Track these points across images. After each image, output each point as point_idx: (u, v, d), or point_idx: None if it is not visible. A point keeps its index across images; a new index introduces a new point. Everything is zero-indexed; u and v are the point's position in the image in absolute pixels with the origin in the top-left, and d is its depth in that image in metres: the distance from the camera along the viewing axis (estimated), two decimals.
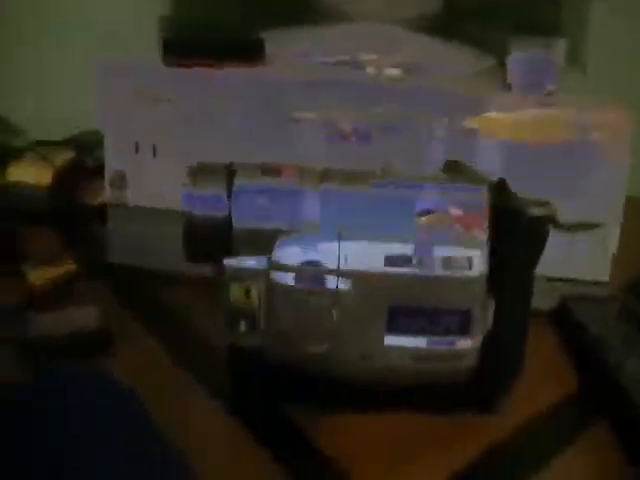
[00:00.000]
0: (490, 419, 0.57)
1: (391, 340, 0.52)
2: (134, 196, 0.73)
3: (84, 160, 0.93)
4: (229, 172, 0.53)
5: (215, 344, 0.63)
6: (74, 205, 0.87)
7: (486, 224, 0.52)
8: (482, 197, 0.52)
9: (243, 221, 0.52)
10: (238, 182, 0.53)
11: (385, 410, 0.56)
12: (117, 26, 0.87)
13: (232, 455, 0.54)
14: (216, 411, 0.58)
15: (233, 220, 0.52)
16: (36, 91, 1.02)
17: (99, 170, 0.88)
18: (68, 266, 0.75)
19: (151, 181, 0.72)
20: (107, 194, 0.73)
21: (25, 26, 1.00)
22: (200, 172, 0.54)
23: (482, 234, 0.52)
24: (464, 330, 0.52)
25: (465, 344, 0.52)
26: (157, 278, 0.73)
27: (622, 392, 0.55)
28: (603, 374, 0.58)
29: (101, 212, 0.80)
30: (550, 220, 0.59)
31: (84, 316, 0.67)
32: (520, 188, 0.54)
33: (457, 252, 0.51)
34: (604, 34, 0.87)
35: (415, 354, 0.53)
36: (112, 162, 0.72)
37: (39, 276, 0.73)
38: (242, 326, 0.53)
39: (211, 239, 0.53)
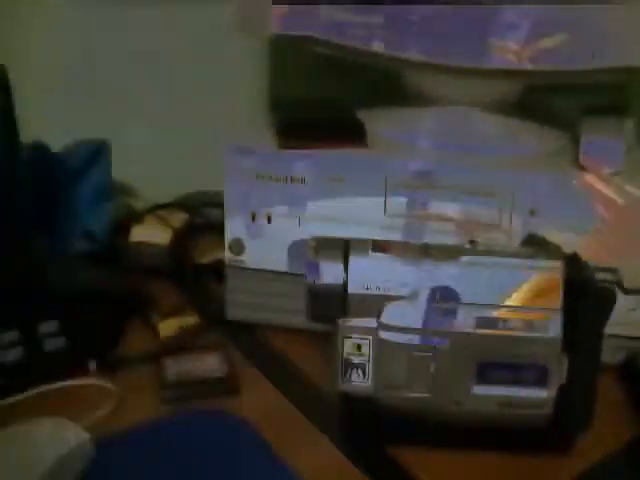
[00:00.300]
0: (565, 459, 0.66)
1: (479, 390, 0.62)
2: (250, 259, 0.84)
3: (196, 220, 1.06)
4: (345, 246, 0.64)
5: (325, 390, 0.73)
6: (191, 263, 0.99)
7: (561, 292, 0.61)
8: (558, 269, 0.62)
9: (356, 288, 0.63)
10: (353, 255, 0.64)
11: (475, 449, 0.66)
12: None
13: None
14: (328, 448, 0.68)
15: (348, 287, 0.63)
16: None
17: (209, 228, 1.01)
18: (191, 318, 0.87)
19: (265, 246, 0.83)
20: (226, 258, 0.84)
21: None
22: (320, 245, 0.65)
23: (558, 302, 0.61)
24: (542, 382, 0.62)
25: (542, 394, 0.62)
26: (269, 330, 0.84)
27: None
28: None
29: (215, 269, 0.92)
30: (617, 285, 0.69)
31: (210, 363, 0.79)
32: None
33: (537, 314, 0.61)
34: None
35: (500, 401, 0.63)
36: (231, 230, 0.83)
37: (168, 326, 0.85)
38: (354, 376, 0.64)
39: (329, 302, 0.64)
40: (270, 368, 0.79)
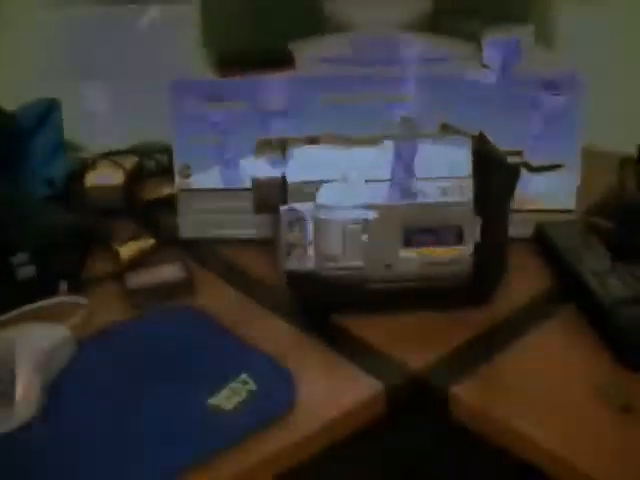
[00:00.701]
0: (483, 310, 0.77)
1: (406, 252, 0.72)
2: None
3: (146, 163, 1.14)
4: (282, 144, 0.74)
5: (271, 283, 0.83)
6: (143, 199, 1.07)
7: (470, 162, 0.72)
8: (467, 142, 0.72)
9: (294, 177, 0.72)
10: (290, 150, 0.73)
11: (407, 309, 0.76)
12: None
13: (298, 352, 0.74)
14: (280, 322, 0.78)
15: (287, 177, 0.72)
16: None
17: (158, 170, 1.10)
18: (148, 240, 0.95)
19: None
20: (176, 182, 0.93)
21: None
22: (261, 146, 0.74)
23: (467, 171, 0.72)
24: (458, 241, 0.72)
25: (460, 251, 0.72)
26: (220, 243, 0.93)
27: (582, 282, 0.74)
28: (568, 270, 0.77)
29: (165, 203, 1.00)
30: (523, 164, 0.79)
31: (169, 270, 0.87)
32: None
33: (451, 183, 0.71)
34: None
35: (424, 261, 0.72)
36: (180, 156, 0.92)
37: (127, 249, 0.93)
38: (297, 254, 0.73)
39: (272, 193, 0.73)
40: (223, 271, 0.88)
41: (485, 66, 0.87)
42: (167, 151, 0.95)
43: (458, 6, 1.00)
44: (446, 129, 0.78)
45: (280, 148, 0.73)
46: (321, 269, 0.73)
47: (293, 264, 0.74)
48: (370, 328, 0.75)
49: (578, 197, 0.87)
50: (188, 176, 0.93)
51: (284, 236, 0.73)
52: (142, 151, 1.15)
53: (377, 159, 0.72)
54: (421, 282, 0.74)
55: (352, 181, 0.72)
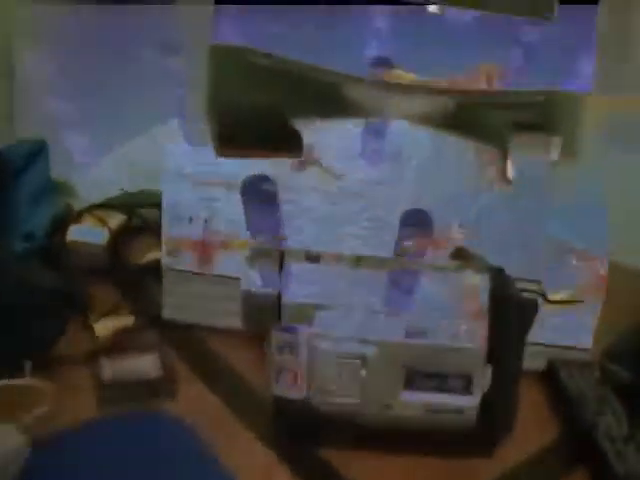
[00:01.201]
0: (487, 462, 0.70)
1: (407, 396, 0.65)
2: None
3: (133, 220, 1.06)
4: (280, 256, 0.67)
5: (260, 392, 0.75)
6: (128, 263, 0.99)
7: (486, 304, 0.65)
8: (484, 282, 0.66)
9: (290, 297, 0.65)
10: (287, 265, 0.66)
11: (404, 452, 0.69)
12: None
13: None
14: (262, 450, 0.71)
15: (282, 295, 0.65)
16: None
17: (146, 229, 1.02)
18: (127, 318, 0.88)
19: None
20: (164, 261, 0.86)
21: None
22: (255, 254, 0.67)
23: (482, 313, 0.65)
24: (466, 390, 0.65)
25: (466, 401, 0.65)
26: (205, 331, 0.85)
27: (597, 448, 0.67)
28: (582, 428, 0.70)
29: (152, 270, 0.93)
30: (540, 295, 0.73)
31: (147, 363, 0.80)
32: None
33: (462, 327, 0.64)
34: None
35: (426, 407, 0.65)
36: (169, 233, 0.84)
37: (104, 327, 0.86)
38: (287, 381, 0.66)
39: (264, 310, 0.66)
40: (206, 370, 0.80)
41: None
42: (157, 205, 0.87)
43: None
44: (461, 256, 0.71)
45: (276, 260, 0.66)
46: (312, 401, 0.66)
47: (282, 390, 0.67)
48: (358, 468, 0.68)
49: (597, 332, 0.80)
50: (176, 255, 0.86)
51: (274, 359, 0.66)
52: (134, 202, 1.07)
53: (384, 286, 0.65)
54: (420, 427, 0.67)
55: (353, 309, 0.65)
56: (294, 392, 0.66)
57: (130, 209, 1.06)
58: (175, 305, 0.87)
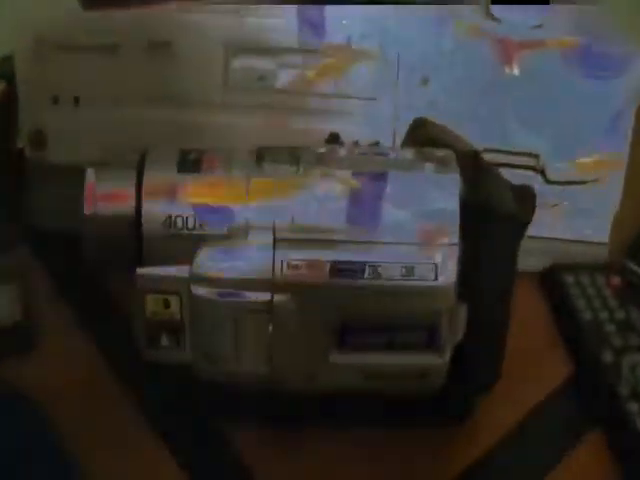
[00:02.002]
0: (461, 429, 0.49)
1: (339, 359, 0.43)
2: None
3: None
4: (140, 160, 0.43)
5: None
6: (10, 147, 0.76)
7: (456, 223, 0.42)
8: (453, 188, 0.42)
9: (156, 224, 0.42)
10: (149, 174, 0.43)
11: (338, 428, 0.48)
12: None
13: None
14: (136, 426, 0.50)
15: (143, 222, 0.42)
16: None
17: None
18: None
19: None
20: (27, 153, 0.62)
21: None
22: (104, 160, 0.44)
23: (452, 234, 0.42)
24: (430, 345, 0.43)
25: (430, 360, 0.43)
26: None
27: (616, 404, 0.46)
28: (595, 376, 0.49)
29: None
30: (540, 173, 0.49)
31: (4, 302, 0.58)
32: None
33: (421, 257, 0.42)
34: None
35: (368, 372, 0.44)
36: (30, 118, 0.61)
37: None
38: (164, 341, 0.44)
39: (118, 243, 0.43)
40: (86, 307, 0.58)
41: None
42: None
43: None
44: (420, 131, 0.48)
45: (136, 168, 0.42)
46: (200, 371, 0.44)
47: (158, 355, 0.45)
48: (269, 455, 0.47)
49: (615, 224, 0.57)
50: (42, 147, 0.63)
51: (143, 312, 0.43)
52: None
53: (299, 202, 0.42)
54: (364, 400, 0.45)
55: (255, 238, 0.42)
56: (174, 357, 0.44)
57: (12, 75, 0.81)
58: (46, 211, 0.64)
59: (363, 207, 0.42)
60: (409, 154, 0.45)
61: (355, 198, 0.43)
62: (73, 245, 0.61)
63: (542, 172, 0.58)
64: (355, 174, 0.43)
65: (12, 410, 0.50)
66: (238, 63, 0.58)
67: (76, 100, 0.61)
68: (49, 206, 0.64)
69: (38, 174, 0.64)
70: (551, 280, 0.56)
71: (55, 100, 0.61)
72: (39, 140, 0.63)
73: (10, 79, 0.76)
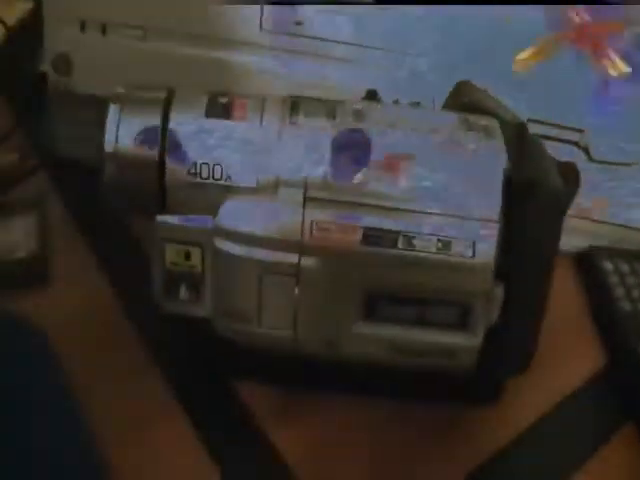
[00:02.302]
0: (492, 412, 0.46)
1: (365, 328, 0.41)
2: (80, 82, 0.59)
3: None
4: (166, 99, 0.40)
5: None
6: (31, 71, 0.73)
7: (499, 198, 0.39)
8: (498, 162, 0.39)
9: (181, 170, 0.40)
10: (176, 116, 0.40)
11: (358, 395, 0.46)
12: None
13: (168, 445, 0.44)
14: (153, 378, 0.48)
15: (167, 168, 0.40)
16: None
17: None
18: (10, 155, 0.63)
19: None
20: (50, 79, 0.59)
21: None
22: (129, 93, 0.41)
23: (494, 210, 0.39)
24: (461, 325, 0.41)
25: (461, 341, 0.41)
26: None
27: None
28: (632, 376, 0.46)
29: None
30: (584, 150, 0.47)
31: (18, 230, 0.56)
32: None
33: (459, 232, 0.39)
34: None
35: (393, 346, 0.41)
36: (54, 43, 0.58)
37: None
38: (182, 293, 0.42)
39: (139, 186, 0.40)
40: (105, 246, 0.56)
41: None
42: None
43: None
44: (463, 96, 0.45)
45: (160, 105, 0.39)
46: (221, 327, 0.42)
47: (176, 307, 0.42)
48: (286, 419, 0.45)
49: None
50: (67, 73, 0.60)
51: (162, 262, 0.41)
52: None
53: (331, 155, 0.39)
54: (388, 372, 0.43)
55: (285, 196, 0.39)
56: (193, 310, 0.42)
57: None
58: (69, 140, 0.62)
59: (400, 172, 0.39)
60: (452, 119, 0.42)
61: (393, 162, 0.40)
62: (92, 177, 0.60)
63: (586, 149, 0.55)
64: (394, 137, 0.40)
65: (20, 340, 0.48)
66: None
67: (103, 29, 0.58)
68: (70, 134, 0.62)
69: (61, 100, 0.61)
70: (588, 265, 0.54)
71: (82, 26, 0.58)
72: (64, 65, 0.60)
73: None
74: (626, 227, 0.56)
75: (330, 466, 0.44)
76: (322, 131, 0.40)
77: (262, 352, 0.43)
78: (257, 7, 0.54)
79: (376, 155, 0.39)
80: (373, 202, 0.39)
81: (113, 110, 0.40)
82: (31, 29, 0.74)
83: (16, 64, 0.71)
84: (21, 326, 0.48)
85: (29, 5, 0.78)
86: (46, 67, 0.62)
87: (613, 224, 0.56)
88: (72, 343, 0.47)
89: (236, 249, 0.40)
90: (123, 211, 0.44)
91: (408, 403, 0.46)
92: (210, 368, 0.47)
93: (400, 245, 0.39)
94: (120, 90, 0.41)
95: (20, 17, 0.76)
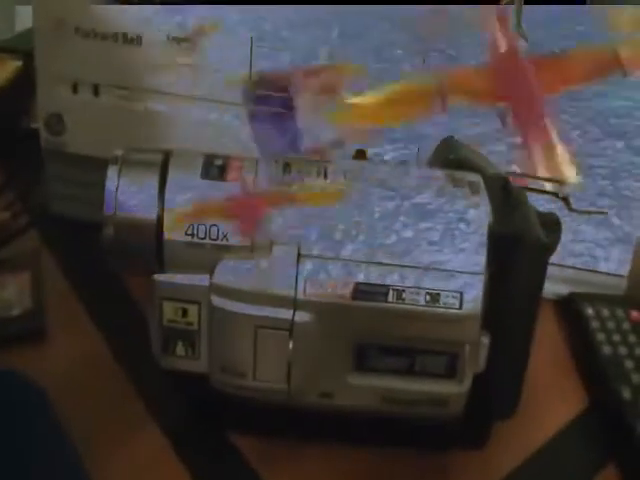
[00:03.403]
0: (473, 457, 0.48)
1: (357, 380, 0.42)
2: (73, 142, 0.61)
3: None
4: (163, 161, 0.42)
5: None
6: (21, 127, 0.75)
7: (484, 251, 0.41)
8: (483, 216, 0.41)
9: (177, 230, 0.41)
10: (174, 177, 0.42)
11: (351, 444, 0.47)
12: None
13: None
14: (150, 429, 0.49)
15: (165, 226, 0.41)
16: None
17: None
18: (4, 214, 0.65)
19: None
20: (43, 139, 0.61)
21: None
22: (127, 156, 0.43)
23: (479, 263, 0.41)
24: (449, 373, 0.42)
25: (449, 389, 0.43)
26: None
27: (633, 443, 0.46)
28: (616, 422, 0.48)
29: None
30: (564, 202, 0.49)
31: (12, 289, 0.57)
32: None
33: (447, 285, 0.41)
34: None
35: (385, 396, 0.43)
36: (47, 102, 0.60)
37: None
38: (179, 349, 0.43)
39: (138, 248, 0.42)
40: (98, 301, 0.57)
41: None
42: None
43: None
44: (448, 153, 0.47)
45: (158, 168, 0.41)
46: (217, 382, 0.43)
47: (173, 363, 0.44)
48: (282, 467, 0.46)
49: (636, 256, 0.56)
50: (60, 133, 0.61)
51: (160, 320, 0.43)
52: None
53: (323, 217, 0.41)
54: (379, 421, 0.44)
55: (279, 253, 0.41)
56: (190, 366, 0.43)
57: (27, 53, 0.80)
58: (62, 197, 0.63)
59: (389, 229, 0.41)
60: (438, 176, 0.44)
61: (382, 219, 0.42)
62: (85, 234, 0.61)
63: (565, 199, 0.57)
64: (384, 194, 0.42)
65: (17, 395, 0.49)
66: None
67: (95, 89, 0.60)
68: (65, 192, 0.63)
69: (54, 159, 0.63)
70: (569, 310, 0.55)
71: (74, 87, 0.60)
72: (57, 125, 0.61)
73: (27, 55, 0.76)
74: (603, 273, 0.58)
75: None
76: (314, 190, 0.42)
77: (257, 405, 0.45)
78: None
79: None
80: (363, 259, 0.41)
81: (112, 172, 0.42)
82: (21, 87, 0.76)
83: (7, 123, 0.73)
84: (18, 381, 0.49)
85: (18, 63, 0.80)
86: (39, 126, 0.64)
87: (592, 270, 0.58)
88: (70, 397, 0.48)
89: (232, 305, 0.41)
90: (121, 271, 0.45)
91: (394, 451, 0.47)
92: (206, 420, 0.48)
93: (390, 299, 0.41)
94: (118, 152, 0.42)
95: (9, 76, 0.78)
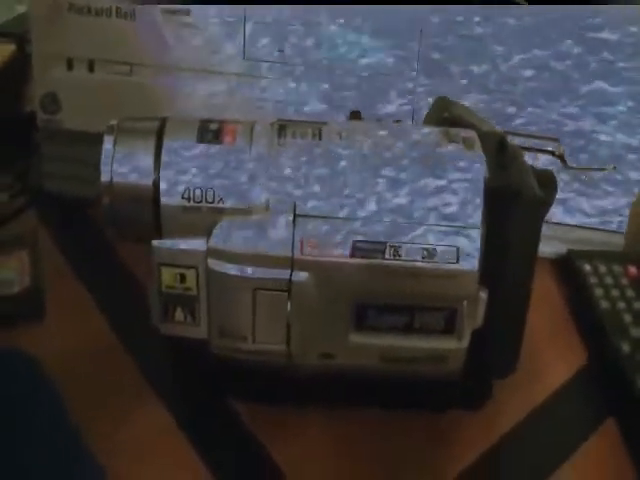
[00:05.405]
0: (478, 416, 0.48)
1: (357, 338, 0.43)
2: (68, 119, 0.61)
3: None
4: (159, 127, 0.42)
5: None
6: (16, 111, 0.75)
7: (480, 205, 0.41)
8: (479, 170, 0.41)
9: (174, 195, 0.41)
10: (169, 143, 0.42)
11: (353, 408, 0.47)
12: None
13: (164, 458, 0.46)
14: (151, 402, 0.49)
15: (161, 193, 0.41)
16: None
17: None
18: (2, 195, 0.65)
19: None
20: (38, 117, 0.61)
21: None
22: (124, 124, 0.43)
23: (475, 217, 0.41)
24: (448, 329, 0.42)
25: (448, 345, 0.43)
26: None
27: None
28: (615, 378, 0.48)
29: None
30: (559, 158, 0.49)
31: (10, 268, 0.57)
32: None
33: (443, 240, 0.41)
34: None
35: (385, 354, 0.43)
36: (42, 82, 0.60)
37: None
38: (178, 315, 0.43)
39: (135, 213, 0.42)
40: (96, 278, 0.57)
41: None
42: None
43: None
44: (444, 112, 0.47)
45: (154, 134, 0.41)
46: (217, 347, 0.44)
47: (172, 329, 0.44)
48: (284, 434, 0.47)
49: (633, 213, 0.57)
50: (55, 111, 0.62)
51: (159, 286, 0.43)
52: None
53: (319, 178, 0.41)
54: (379, 381, 0.45)
55: (275, 214, 0.41)
56: (189, 331, 0.44)
57: (21, 36, 0.80)
58: (57, 176, 0.63)
59: (385, 186, 0.42)
60: (433, 133, 0.44)
61: (377, 176, 0.42)
62: (82, 212, 0.62)
63: (561, 157, 0.57)
64: (378, 152, 0.42)
65: (19, 374, 0.49)
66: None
67: (90, 65, 0.60)
68: (61, 171, 0.63)
69: (50, 138, 0.63)
70: (567, 267, 0.56)
71: (69, 64, 0.60)
72: (52, 104, 0.62)
73: (22, 38, 0.76)
74: (602, 230, 0.58)
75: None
76: (309, 150, 0.42)
77: (258, 370, 0.45)
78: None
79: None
80: (360, 216, 0.41)
81: (107, 141, 0.42)
82: (16, 71, 0.76)
83: (2, 106, 0.73)
84: (19, 358, 0.49)
85: (12, 47, 0.80)
86: (34, 107, 0.64)
87: (590, 228, 0.58)
88: (70, 374, 0.48)
89: (229, 268, 0.41)
90: (120, 239, 0.45)
91: (395, 414, 0.47)
92: (208, 388, 0.48)
93: (387, 255, 0.41)
94: (113, 122, 0.43)
95: (4, 60, 0.78)
